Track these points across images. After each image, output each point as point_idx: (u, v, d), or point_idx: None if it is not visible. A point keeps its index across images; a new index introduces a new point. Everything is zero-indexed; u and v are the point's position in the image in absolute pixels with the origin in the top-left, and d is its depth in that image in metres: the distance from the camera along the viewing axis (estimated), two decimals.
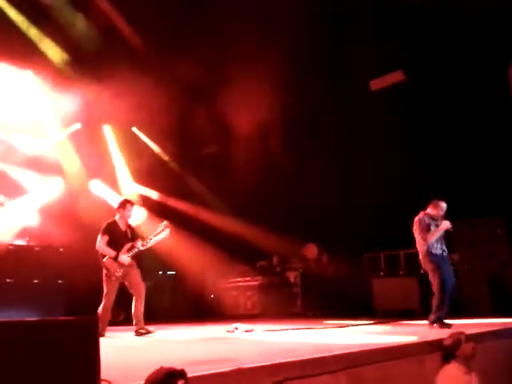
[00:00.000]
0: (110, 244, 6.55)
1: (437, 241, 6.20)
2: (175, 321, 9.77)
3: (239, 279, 11.67)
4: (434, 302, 6.11)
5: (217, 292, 11.88)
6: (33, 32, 10.18)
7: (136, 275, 6.59)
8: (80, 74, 10.47)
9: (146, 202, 11.84)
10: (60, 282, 8.73)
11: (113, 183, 11.83)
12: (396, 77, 10.10)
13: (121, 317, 9.54)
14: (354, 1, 10.12)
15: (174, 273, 11.50)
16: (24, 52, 9.68)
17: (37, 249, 8.84)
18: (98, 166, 11.31)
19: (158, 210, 10.37)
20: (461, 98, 9.06)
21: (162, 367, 2.59)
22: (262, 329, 6.71)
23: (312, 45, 10.23)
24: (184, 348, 5.15)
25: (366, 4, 9.85)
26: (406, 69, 9.88)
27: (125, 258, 6.50)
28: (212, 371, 2.96)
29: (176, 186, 11.82)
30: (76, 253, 9.23)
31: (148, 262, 8.60)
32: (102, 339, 2.57)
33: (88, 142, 10.86)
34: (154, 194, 12.02)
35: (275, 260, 11.62)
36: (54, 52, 10.35)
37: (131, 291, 6.54)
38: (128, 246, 6.58)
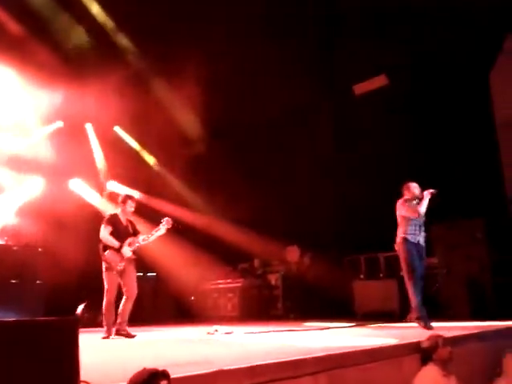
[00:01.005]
0: (112, 236, 6.51)
1: (416, 228, 6.32)
2: (156, 322, 9.72)
3: (220, 281, 11.65)
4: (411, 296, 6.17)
5: (197, 294, 11.84)
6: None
7: (132, 275, 6.55)
8: (63, 72, 10.36)
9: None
10: (38, 282, 8.62)
11: (93, 182, 11.72)
12: (379, 81, 10.19)
13: (100, 318, 9.46)
14: (345, 3, 10.20)
15: (154, 274, 11.43)
16: (5, 48, 9.54)
17: (15, 248, 8.71)
18: (79, 165, 11.19)
19: (139, 210, 10.28)
20: (443, 102, 9.16)
21: (144, 368, 2.59)
22: (242, 331, 6.70)
23: (304, 45, 10.28)
24: (165, 350, 5.13)
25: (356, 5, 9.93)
26: (392, 72, 9.95)
27: (127, 250, 6.47)
28: (193, 373, 2.95)
29: (158, 186, 11.76)
30: (55, 253, 9.13)
31: None
32: (81, 340, 2.54)
33: (69, 140, 10.74)
34: (135, 194, 11.91)
35: (256, 262, 11.63)
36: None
37: (123, 289, 6.48)
38: (129, 240, 6.57)
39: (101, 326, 8.17)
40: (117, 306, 6.53)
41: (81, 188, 11.42)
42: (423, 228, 6.42)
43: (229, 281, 11.52)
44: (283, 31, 10.18)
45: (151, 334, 7.15)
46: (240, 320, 10.12)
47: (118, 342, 6.20)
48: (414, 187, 6.51)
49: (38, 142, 10.70)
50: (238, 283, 11.30)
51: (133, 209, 6.81)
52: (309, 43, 10.58)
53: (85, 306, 9.36)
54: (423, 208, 6.28)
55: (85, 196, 11.43)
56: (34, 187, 10.37)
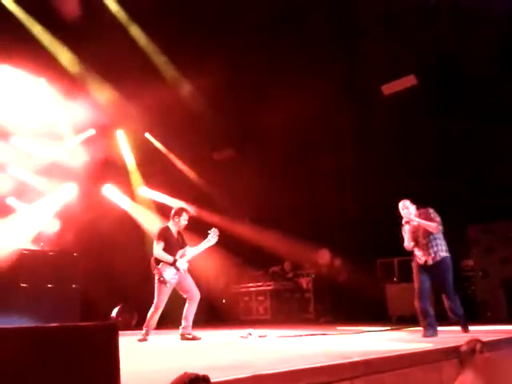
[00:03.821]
0: (164, 250, 6.54)
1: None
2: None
3: (251, 284, 11.67)
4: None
5: (229, 297, 11.87)
6: (47, 38, 10.31)
7: (190, 281, 6.61)
8: (93, 80, 10.57)
9: (159, 207, 11.91)
10: (74, 286, 8.77)
11: (126, 188, 11.91)
12: (408, 81, 10.08)
13: (134, 321, 9.61)
14: (368, 2, 10.10)
15: None
16: (38, 59, 9.78)
17: (51, 253, 8.91)
18: (111, 171, 11.39)
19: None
20: (475, 101, 8.97)
21: (185, 373, 2.59)
22: (275, 334, 6.69)
23: (326, 46, 10.24)
24: (201, 353, 5.16)
25: (380, 5, 9.83)
26: (419, 72, 9.82)
27: (182, 263, 6.51)
28: (232, 377, 2.96)
29: (189, 191, 11.86)
30: (89, 257, 9.30)
31: None
32: (121, 345, 2.57)
33: (101, 147, 10.95)
34: (166, 199, 12.06)
35: (287, 266, 11.60)
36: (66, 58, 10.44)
37: (185, 296, 6.56)
38: (180, 252, 6.59)
39: (135, 329, 8.32)
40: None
41: (113, 193, 11.62)
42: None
43: (259, 284, 11.53)
44: (305, 32, 10.15)
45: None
46: (272, 323, 10.10)
47: (154, 345, 6.27)
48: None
49: (72, 149, 10.94)
50: (268, 286, 11.30)
51: (186, 222, 6.78)
52: (331, 44, 10.52)
53: (119, 310, 9.55)
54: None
55: (117, 201, 11.62)
56: (68, 193, 10.60)
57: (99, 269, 9.60)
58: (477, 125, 8.80)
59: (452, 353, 4.25)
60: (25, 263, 8.32)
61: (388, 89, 10.36)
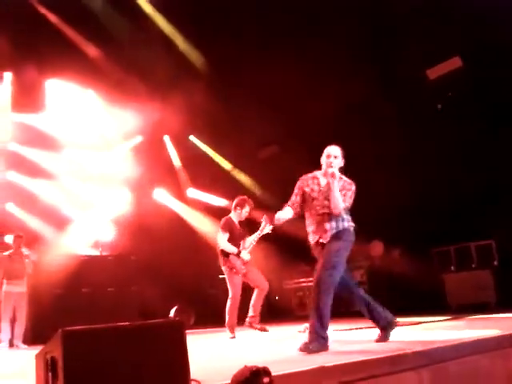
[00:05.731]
0: (228, 241, 6.57)
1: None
2: (242, 322, 9.87)
3: (303, 280, 11.64)
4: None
5: (282, 293, 11.89)
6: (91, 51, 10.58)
7: (255, 270, 6.62)
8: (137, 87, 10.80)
9: (208, 208, 12.07)
10: (133, 288, 9.02)
11: (175, 191, 12.16)
12: (453, 63, 9.81)
13: (191, 321, 9.79)
14: None
15: None
16: (84, 70, 10.08)
17: (109, 258, 9.21)
18: (161, 175, 11.65)
19: (221, 216, 10.51)
20: None
21: (246, 366, 2.65)
22: (332, 328, 6.65)
23: (364, 35, 10.05)
24: (261, 348, 5.22)
25: None
26: (463, 55, 9.54)
27: (246, 254, 6.54)
28: (295, 370, 2.99)
29: (237, 190, 11.96)
30: (145, 260, 9.55)
31: (211, 266, 8.75)
32: None
33: (149, 152, 11.21)
34: (215, 200, 12.22)
35: None
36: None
37: (254, 285, 6.56)
38: (242, 242, 6.63)
39: (192, 327, 8.47)
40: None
41: (164, 197, 11.89)
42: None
43: (311, 279, 11.46)
44: (343, 22, 9.99)
45: (243, 334, 7.26)
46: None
47: (213, 341, 6.37)
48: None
49: (122, 157, 11.26)
50: None
51: (247, 214, 6.78)
52: (370, 32, 10.31)
53: (176, 310, 9.75)
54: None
55: (168, 204, 11.89)
56: (121, 199, 10.92)
57: (155, 271, 9.84)
58: None
59: None
60: (85, 269, 8.63)
61: (433, 73, 10.11)
